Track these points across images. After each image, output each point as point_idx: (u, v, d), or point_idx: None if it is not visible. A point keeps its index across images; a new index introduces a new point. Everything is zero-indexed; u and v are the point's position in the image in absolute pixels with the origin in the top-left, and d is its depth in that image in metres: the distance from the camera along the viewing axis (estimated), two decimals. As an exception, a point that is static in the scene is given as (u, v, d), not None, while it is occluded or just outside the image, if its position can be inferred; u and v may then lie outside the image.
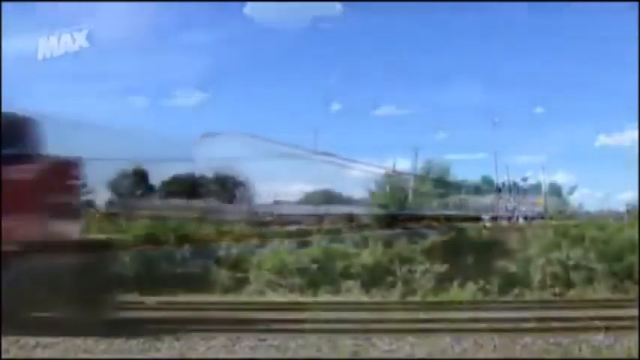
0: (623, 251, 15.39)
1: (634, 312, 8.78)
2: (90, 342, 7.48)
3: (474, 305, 10.91)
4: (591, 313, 9.19)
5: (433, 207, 25.90)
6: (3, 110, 8.57)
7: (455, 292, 12.95)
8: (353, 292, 13.36)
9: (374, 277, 14.29)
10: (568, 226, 25.43)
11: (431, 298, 12.56)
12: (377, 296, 13.07)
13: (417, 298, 12.83)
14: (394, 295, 13.12)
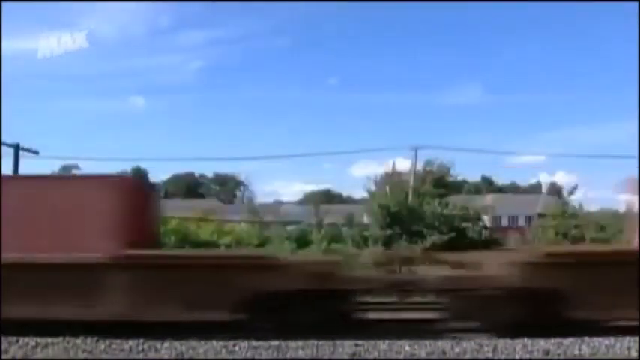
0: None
1: None
2: (90, 342, 7.49)
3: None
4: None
5: (434, 207, 25.86)
6: None
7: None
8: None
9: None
10: (568, 227, 25.46)
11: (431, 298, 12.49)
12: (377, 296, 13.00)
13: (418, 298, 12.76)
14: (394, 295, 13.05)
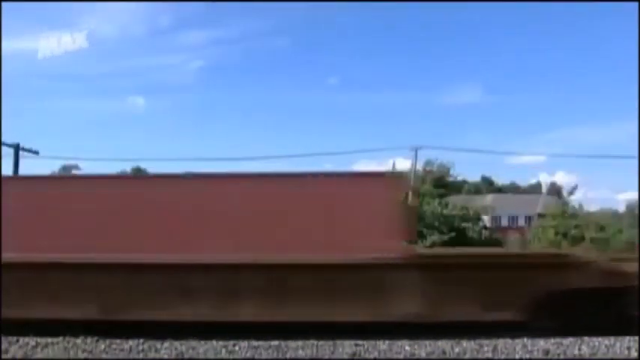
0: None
1: None
2: (90, 342, 7.49)
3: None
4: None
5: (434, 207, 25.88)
6: None
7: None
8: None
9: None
10: (568, 227, 25.47)
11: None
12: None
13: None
14: None
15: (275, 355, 7.03)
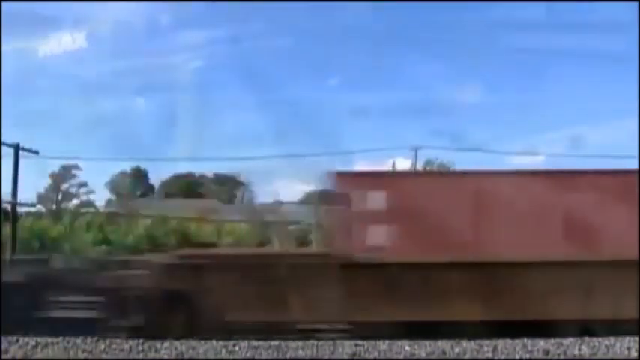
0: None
1: None
2: (90, 342, 7.49)
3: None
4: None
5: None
6: None
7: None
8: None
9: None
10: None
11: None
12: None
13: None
14: None
15: (275, 355, 7.03)
